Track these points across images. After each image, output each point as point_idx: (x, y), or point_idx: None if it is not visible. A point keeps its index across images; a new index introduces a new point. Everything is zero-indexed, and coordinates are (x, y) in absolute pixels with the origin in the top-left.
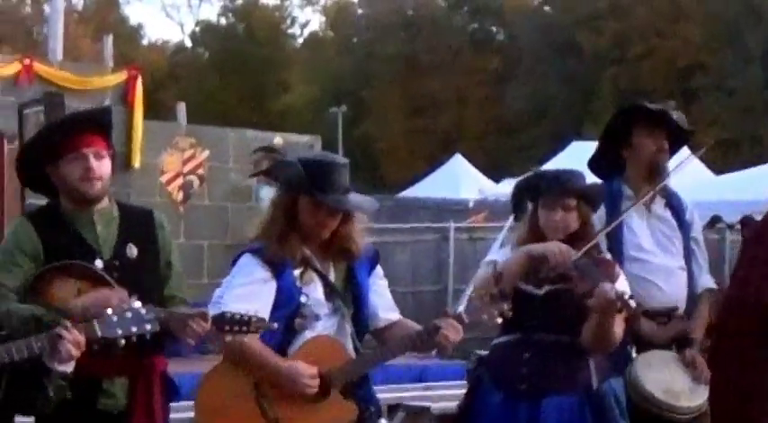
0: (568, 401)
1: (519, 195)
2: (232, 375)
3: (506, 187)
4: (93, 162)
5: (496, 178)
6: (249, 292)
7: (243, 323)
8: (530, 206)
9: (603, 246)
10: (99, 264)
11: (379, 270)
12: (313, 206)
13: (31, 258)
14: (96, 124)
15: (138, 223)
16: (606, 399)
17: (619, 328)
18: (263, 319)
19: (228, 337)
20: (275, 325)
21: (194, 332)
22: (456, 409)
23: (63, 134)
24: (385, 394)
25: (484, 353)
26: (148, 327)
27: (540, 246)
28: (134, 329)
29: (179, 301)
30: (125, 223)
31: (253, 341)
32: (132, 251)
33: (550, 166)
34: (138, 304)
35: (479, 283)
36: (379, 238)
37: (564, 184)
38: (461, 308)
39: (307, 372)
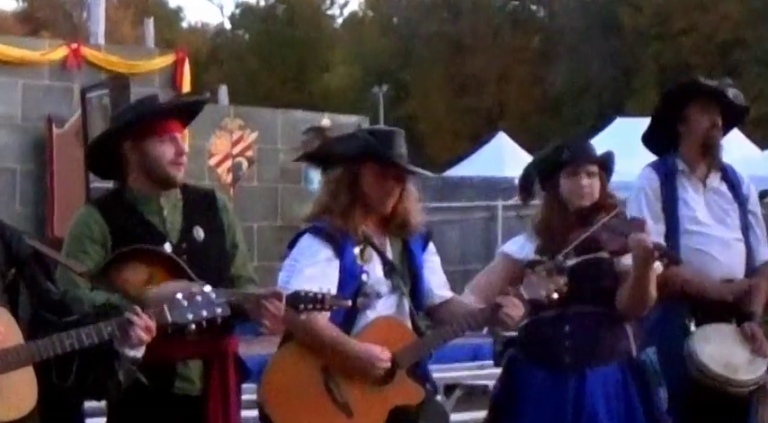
0: (612, 371)
1: (530, 177)
2: (300, 358)
3: None
4: (184, 149)
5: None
6: (317, 273)
7: (317, 301)
8: (538, 189)
9: (658, 224)
10: (168, 248)
11: (431, 247)
12: (379, 173)
13: (99, 245)
14: (188, 114)
15: (202, 205)
16: (646, 367)
17: (653, 287)
18: (337, 296)
19: (303, 316)
20: (349, 302)
21: (270, 313)
22: (494, 392)
23: (160, 115)
24: (442, 373)
25: (510, 334)
26: (219, 311)
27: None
28: (204, 314)
29: (246, 280)
30: (190, 206)
31: (325, 323)
32: (199, 233)
33: (595, 142)
34: (208, 288)
35: (500, 267)
36: (428, 216)
37: (587, 150)
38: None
39: (382, 354)
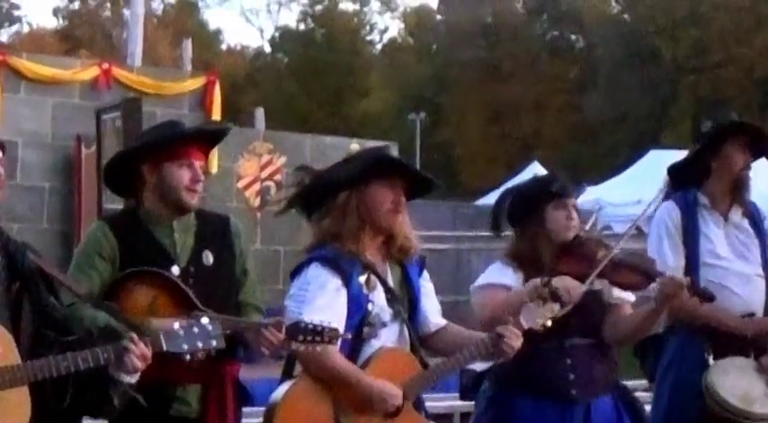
0: (609, 401)
1: (502, 208)
2: (311, 390)
3: (584, 195)
4: (201, 176)
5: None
6: (327, 303)
7: (316, 333)
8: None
9: (677, 257)
10: (175, 270)
11: (426, 274)
12: (388, 189)
13: (108, 261)
14: (212, 141)
15: (214, 230)
16: (631, 393)
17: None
18: (335, 329)
19: (302, 348)
20: (348, 335)
21: (269, 342)
22: None
23: (181, 140)
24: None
25: (478, 368)
26: (214, 343)
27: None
28: (200, 345)
29: (253, 308)
30: (202, 230)
31: (339, 357)
32: (208, 258)
33: (628, 174)
34: (205, 320)
35: (529, 288)
36: (457, 245)
37: (571, 184)
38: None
39: (394, 391)
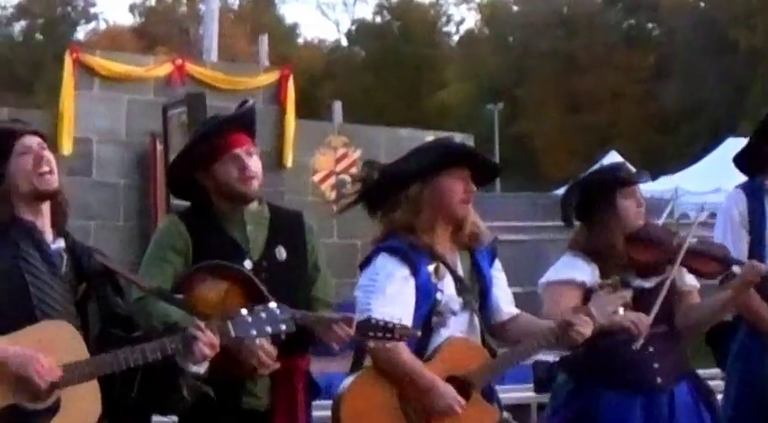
0: (686, 388)
1: (569, 204)
2: (378, 382)
3: (663, 184)
4: (247, 161)
5: (652, 175)
6: (395, 293)
7: (387, 330)
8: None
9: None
10: (248, 264)
11: (497, 263)
12: (459, 179)
13: (181, 255)
14: (242, 123)
15: (287, 226)
16: (704, 381)
17: None
18: (406, 327)
19: (371, 344)
20: (419, 332)
21: (338, 337)
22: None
23: (214, 138)
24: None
25: (551, 359)
26: (283, 327)
27: (616, 319)
28: (268, 329)
29: (323, 304)
30: (275, 225)
31: (407, 353)
32: (281, 253)
33: (706, 162)
34: (273, 304)
35: (566, 295)
36: (536, 235)
37: (637, 171)
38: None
39: (457, 396)
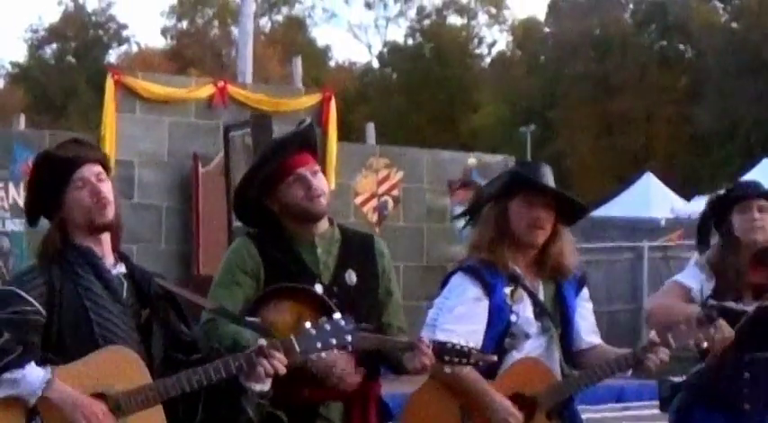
0: None
1: (706, 220)
2: (439, 397)
3: (698, 205)
4: (312, 180)
5: (688, 196)
6: (464, 312)
7: (463, 355)
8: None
9: None
10: (318, 288)
11: (585, 292)
12: (526, 204)
13: (251, 278)
14: (304, 142)
15: (358, 249)
16: None
17: None
18: (483, 353)
19: (448, 369)
20: (494, 358)
21: (422, 364)
22: None
23: (277, 160)
24: (584, 415)
25: (676, 379)
26: (349, 338)
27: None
28: (333, 341)
29: (397, 329)
30: (346, 248)
31: (467, 368)
32: (351, 277)
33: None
34: (337, 315)
35: (670, 293)
36: None
37: (756, 186)
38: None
39: (512, 411)
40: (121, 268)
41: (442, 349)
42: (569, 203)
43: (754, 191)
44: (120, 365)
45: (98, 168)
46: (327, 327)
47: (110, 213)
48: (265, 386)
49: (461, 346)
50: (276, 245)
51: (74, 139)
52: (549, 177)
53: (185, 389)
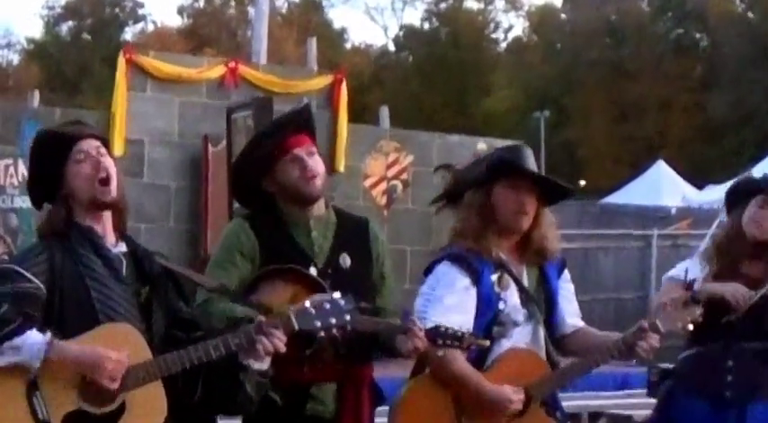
0: (763, 406)
1: (733, 196)
2: (433, 389)
3: (709, 194)
4: (308, 160)
5: (699, 185)
6: (454, 302)
7: (456, 338)
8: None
9: None
10: (312, 271)
11: (566, 274)
12: (509, 187)
13: (247, 259)
14: (300, 123)
15: (353, 233)
16: None
17: None
18: (475, 335)
19: (440, 352)
20: (488, 342)
21: (414, 346)
22: None
23: (273, 140)
24: (587, 401)
25: (665, 365)
26: (347, 317)
27: (718, 286)
28: (333, 321)
29: (390, 313)
30: (341, 232)
31: (459, 360)
32: (346, 261)
33: (755, 172)
34: (337, 294)
35: (668, 291)
36: (585, 243)
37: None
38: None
39: (514, 395)
40: (122, 247)
41: (435, 333)
42: (555, 187)
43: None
44: (122, 341)
45: (98, 143)
46: (327, 306)
47: (112, 191)
48: (264, 365)
49: (454, 330)
50: (271, 227)
51: (74, 121)
52: (531, 160)
53: (185, 365)
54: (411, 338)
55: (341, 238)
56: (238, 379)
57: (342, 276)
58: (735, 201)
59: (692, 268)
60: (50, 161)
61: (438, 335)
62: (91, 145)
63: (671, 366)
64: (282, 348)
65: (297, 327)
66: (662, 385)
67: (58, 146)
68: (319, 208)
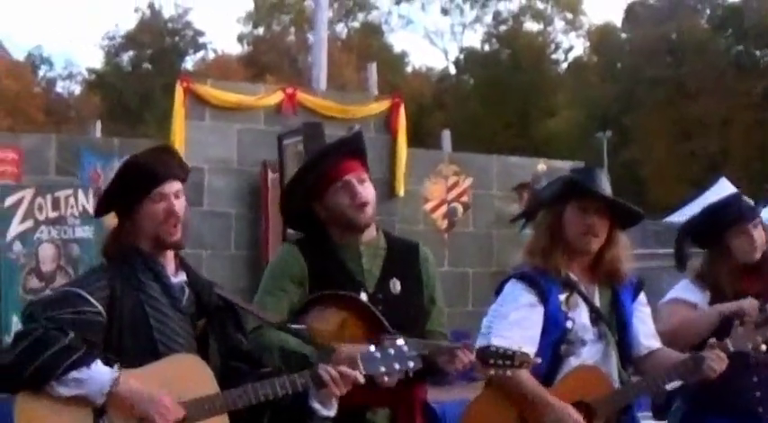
0: None
1: (683, 244)
2: (497, 405)
3: None
4: (359, 187)
5: (764, 202)
6: (518, 319)
7: (507, 358)
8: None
9: None
10: (363, 296)
11: (642, 297)
12: (580, 211)
13: (297, 284)
14: (352, 150)
15: (403, 257)
16: None
17: None
18: (526, 355)
19: (491, 372)
20: (539, 360)
21: (461, 365)
22: None
23: (324, 166)
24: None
25: (672, 385)
26: (411, 364)
27: (733, 304)
28: (397, 367)
29: (439, 336)
30: (391, 256)
31: (525, 378)
32: (396, 286)
33: None
34: (401, 341)
35: (675, 313)
36: (647, 263)
37: (751, 207)
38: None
39: (576, 417)
40: (182, 276)
41: (485, 353)
42: (624, 210)
43: (751, 212)
44: (190, 373)
45: (178, 185)
46: (391, 351)
47: (177, 234)
48: (332, 412)
49: (504, 349)
50: (321, 252)
51: (163, 148)
52: (604, 182)
53: (251, 401)
54: (457, 358)
55: (391, 262)
56: (304, 421)
57: (392, 301)
58: (709, 233)
59: (691, 293)
60: (130, 192)
61: (488, 354)
62: (172, 188)
63: (672, 387)
64: (344, 391)
65: (363, 370)
66: (673, 407)
67: (142, 180)
68: (370, 233)
